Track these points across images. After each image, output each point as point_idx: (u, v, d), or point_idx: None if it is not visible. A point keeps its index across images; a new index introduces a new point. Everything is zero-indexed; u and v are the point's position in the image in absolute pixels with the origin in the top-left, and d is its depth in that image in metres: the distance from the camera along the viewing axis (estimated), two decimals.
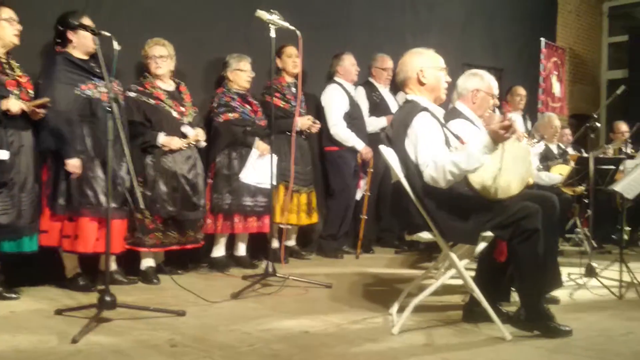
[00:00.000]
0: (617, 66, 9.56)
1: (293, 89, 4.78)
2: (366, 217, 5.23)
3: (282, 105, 4.66)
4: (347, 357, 2.36)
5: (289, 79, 4.82)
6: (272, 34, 3.67)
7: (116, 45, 2.91)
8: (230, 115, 4.31)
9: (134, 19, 4.16)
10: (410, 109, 2.81)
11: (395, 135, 2.81)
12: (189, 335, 2.63)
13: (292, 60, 4.73)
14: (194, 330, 2.70)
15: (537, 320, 2.73)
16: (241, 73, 4.42)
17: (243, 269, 4.33)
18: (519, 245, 2.68)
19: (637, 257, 5.34)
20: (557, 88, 8.10)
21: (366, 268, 4.58)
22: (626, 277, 3.62)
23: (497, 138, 2.52)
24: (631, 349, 2.51)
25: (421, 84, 2.92)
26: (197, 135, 4.00)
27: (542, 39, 7.71)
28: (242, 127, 4.33)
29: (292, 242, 5.03)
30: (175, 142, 3.88)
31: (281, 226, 4.60)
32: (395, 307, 3.04)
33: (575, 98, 9.06)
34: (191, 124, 4.01)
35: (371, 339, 2.63)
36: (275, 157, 4.01)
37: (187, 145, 3.94)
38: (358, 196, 5.36)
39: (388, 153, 2.83)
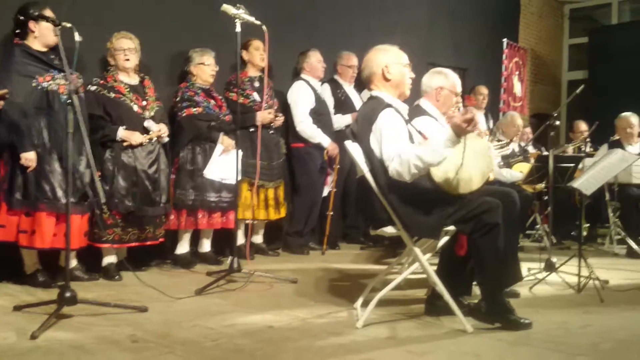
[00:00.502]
0: (577, 67, 9.82)
1: (256, 84, 4.75)
2: (332, 214, 5.25)
3: (241, 101, 4.61)
4: (312, 350, 2.37)
5: (252, 73, 4.79)
6: (238, 28, 3.65)
7: (77, 37, 2.85)
8: (194, 110, 4.26)
9: (96, 12, 4.08)
10: (375, 105, 2.83)
11: (360, 131, 2.83)
12: (151, 331, 2.60)
13: (260, 53, 4.70)
14: (157, 326, 2.67)
15: (497, 313, 2.78)
16: (205, 67, 4.37)
17: (208, 265, 4.30)
18: (479, 239, 2.73)
19: (596, 253, 5.50)
20: (518, 88, 8.27)
21: (332, 264, 4.60)
22: (585, 272, 3.71)
23: (460, 131, 2.56)
24: (589, 341, 2.58)
25: (386, 79, 2.94)
26: (160, 130, 3.94)
27: (504, 40, 7.86)
28: (206, 122, 4.29)
29: (258, 239, 5.01)
30: (135, 137, 3.82)
31: (247, 222, 4.58)
32: (359, 302, 3.06)
33: (536, 98, 9.27)
34: (154, 119, 3.96)
35: (336, 332, 2.64)
36: (240, 153, 3.99)
37: (148, 140, 3.88)
38: (324, 193, 5.38)
39: (353, 148, 2.84)
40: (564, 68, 10.04)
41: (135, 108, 3.89)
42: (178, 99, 4.29)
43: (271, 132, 4.81)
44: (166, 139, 4.04)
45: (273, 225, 5.16)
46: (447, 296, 2.78)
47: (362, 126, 2.82)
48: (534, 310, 3.10)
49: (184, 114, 4.24)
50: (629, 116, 5.80)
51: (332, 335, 2.60)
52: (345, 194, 5.51)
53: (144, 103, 3.95)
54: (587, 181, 3.81)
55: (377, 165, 2.75)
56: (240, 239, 4.62)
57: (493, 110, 7.35)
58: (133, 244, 3.88)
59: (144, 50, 4.04)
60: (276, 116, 4.77)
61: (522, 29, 8.95)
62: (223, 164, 4.25)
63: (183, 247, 4.33)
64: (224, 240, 4.58)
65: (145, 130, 3.90)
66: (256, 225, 4.92)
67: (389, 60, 2.94)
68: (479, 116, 6.46)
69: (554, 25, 9.82)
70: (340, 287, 3.75)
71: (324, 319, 2.90)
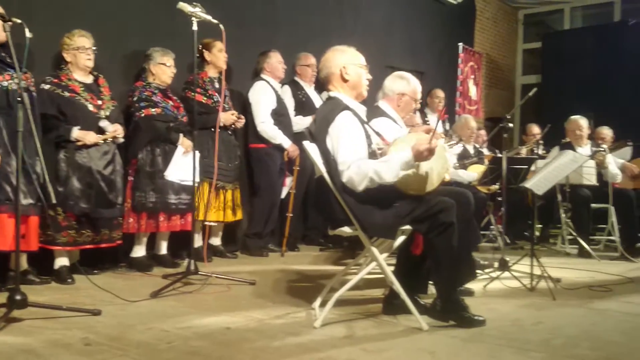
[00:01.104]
0: (530, 71, 10.10)
1: (216, 84, 4.72)
2: (292, 215, 5.25)
3: (204, 101, 4.58)
4: (269, 351, 2.36)
5: (212, 74, 4.75)
6: (194, 26, 3.61)
7: (28, 33, 2.77)
8: (152, 111, 4.19)
9: (48, 8, 3.98)
10: (333, 107, 2.85)
11: (317, 132, 2.84)
12: (104, 334, 2.54)
13: (224, 55, 4.67)
14: (110, 329, 2.61)
15: (452, 310, 2.83)
16: (165, 68, 4.31)
17: (164, 268, 4.23)
18: (435, 239, 2.77)
19: (548, 253, 5.66)
20: (473, 91, 8.45)
21: (291, 265, 4.60)
22: (537, 271, 3.81)
23: (420, 158, 2.63)
24: (540, 337, 2.65)
25: (344, 80, 2.96)
26: (115, 131, 3.86)
27: (460, 44, 8.02)
28: (165, 123, 4.23)
29: (217, 241, 4.96)
30: (90, 137, 3.73)
31: (206, 223, 4.53)
32: (317, 302, 3.07)
33: (491, 102, 9.48)
34: (109, 118, 3.88)
35: (293, 332, 2.64)
36: (197, 154, 3.95)
37: (103, 141, 3.80)
38: (284, 194, 5.38)
39: (311, 148, 2.85)
40: (518, 72, 10.31)
41: (90, 107, 3.81)
42: (135, 98, 4.20)
43: (229, 133, 4.78)
44: (122, 140, 3.96)
45: (231, 228, 5.13)
46: (403, 295, 2.81)
47: (320, 127, 2.83)
48: (488, 308, 3.17)
49: (143, 115, 4.16)
50: (578, 119, 5.98)
51: (289, 335, 2.59)
52: (305, 196, 5.52)
53: (99, 102, 3.87)
54: (539, 182, 3.91)
55: (334, 166, 2.76)
56: (198, 242, 4.57)
57: (449, 114, 7.49)
58: (87, 247, 3.79)
59: (97, 48, 3.95)
60: (239, 118, 4.74)
61: (478, 34, 9.15)
62: (183, 165, 4.20)
63: (140, 250, 4.25)
64: (181, 243, 4.52)
65: (101, 131, 3.82)
66: (214, 228, 4.88)
67: (347, 61, 2.96)
68: (436, 119, 6.56)
69: (508, 30, 10.07)
70: (298, 288, 3.75)
71: (282, 319, 2.90)
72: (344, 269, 3.33)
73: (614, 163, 5.78)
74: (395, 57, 7.00)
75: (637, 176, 5.91)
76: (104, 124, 3.83)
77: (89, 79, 3.90)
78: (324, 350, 2.37)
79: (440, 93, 6.74)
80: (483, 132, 7.17)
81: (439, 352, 2.38)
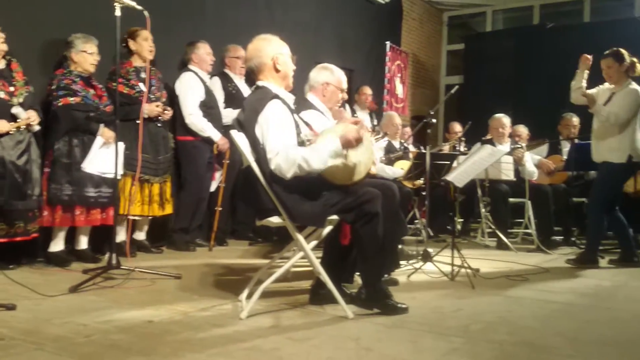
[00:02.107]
0: (454, 72, 10.44)
1: (142, 74, 4.58)
2: (220, 209, 5.18)
3: (125, 91, 4.43)
4: (192, 342, 2.32)
5: (138, 63, 4.60)
6: (118, 12, 3.49)
7: None
8: (71, 100, 4.02)
9: None
10: (262, 95, 2.83)
11: (246, 120, 2.81)
12: (18, 328, 2.41)
13: (149, 44, 4.54)
14: (25, 324, 2.49)
15: (377, 299, 2.88)
16: (87, 55, 4.15)
17: (85, 263, 4.07)
18: (361, 228, 2.82)
19: (469, 245, 5.87)
20: (400, 89, 8.65)
21: (218, 259, 4.54)
22: (458, 262, 3.95)
23: (347, 146, 2.68)
24: (460, 323, 2.74)
25: (276, 70, 2.94)
26: (29, 118, 3.68)
27: (387, 42, 8.18)
28: (85, 113, 4.07)
29: (141, 236, 4.82)
30: (1, 125, 3.54)
31: (130, 217, 4.40)
32: (244, 294, 3.04)
33: (417, 101, 9.74)
34: (23, 105, 3.69)
35: (218, 324, 2.61)
36: (121, 145, 3.82)
37: (16, 129, 3.60)
38: (213, 188, 5.30)
39: (238, 138, 2.82)
40: (442, 73, 10.64)
41: (2, 94, 3.61)
42: (54, 87, 4.02)
43: (159, 125, 4.66)
44: (37, 127, 3.78)
45: (157, 222, 5.00)
46: (330, 284, 2.83)
47: (248, 115, 2.80)
48: (411, 296, 3.26)
49: (60, 104, 3.99)
50: (502, 117, 6.24)
51: (214, 327, 2.56)
52: (235, 190, 5.47)
53: (11, 89, 3.68)
54: (459, 175, 4.06)
55: (263, 155, 2.75)
56: (122, 236, 4.44)
57: (377, 111, 7.63)
58: (1, 240, 3.59)
59: (14, 35, 3.75)
60: (164, 110, 4.62)
61: (405, 34, 9.37)
62: (103, 157, 4.05)
63: (57, 245, 4.07)
64: (103, 238, 4.36)
65: (13, 118, 3.62)
66: (139, 222, 4.74)
67: (278, 51, 2.95)
68: (364, 116, 6.68)
69: (433, 31, 10.37)
70: (226, 281, 3.71)
71: (207, 312, 2.85)
72: (271, 261, 3.33)
73: (531, 160, 6.08)
74: (325, 54, 7.03)
75: (553, 172, 6.24)
76: (16, 110, 3.64)
77: (0, 65, 3.69)
78: (249, 340, 2.35)
79: (368, 90, 6.86)
80: (408, 129, 7.36)
81: (363, 339, 2.42)
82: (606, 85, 4.64)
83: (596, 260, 4.58)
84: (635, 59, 4.51)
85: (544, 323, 2.80)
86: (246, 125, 2.80)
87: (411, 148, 6.71)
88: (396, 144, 6.33)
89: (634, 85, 4.46)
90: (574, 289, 3.65)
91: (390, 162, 5.96)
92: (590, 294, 3.55)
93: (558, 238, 5.85)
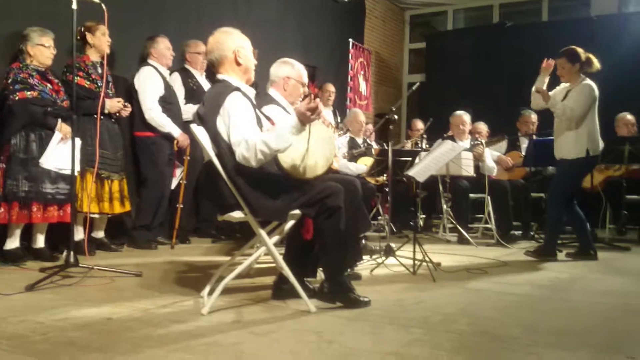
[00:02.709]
0: (416, 70, 10.55)
1: (99, 69, 4.48)
2: (182, 207, 5.12)
3: (86, 85, 4.34)
4: (152, 339, 2.28)
5: (94, 58, 4.50)
6: (74, 5, 3.41)
7: None
8: (28, 94, 3.91)
9: None
10: (223, 89, 2.80)
11: (206, 114, 2.78)
12: None
13: (107, 39, 4.44)
14: None
15: (339, 292, 2.89)
16: (43, 49, 4.04)
17: (41, 262, 3.96)
18: (323, 222, 2.82)
19: (431, 240, 5.95)
20: (363, 87, 8.70)
21: (181, 257, 4.49)
22: (420, 257, 3.99)
23: (304, 119, 2.64)
24: (421, 315, 2.78)
25: (238, 64, 2.92)
26: None
27: (350, 40, 8.21)
28: (42, 107, 3.96)
29: (100, 234, 4.73)
30: None
31: (91, 215, 4.31)
32: (206, 290, 3.02)
33: (380, 98, 9.81)
34: None
35: (179, 320, 2.57)
36: (78, 141, 3.74)
37: None
38: (174, 185, 5.24)
39: (199, 132, 2.79)
40: (405, 71, 10.73)
41: None
42: (10, 80, 3.91)
43: (113, 121, 4.57)
44: None
45: (117, 220, 4.91)
46: (292, 279, 2.83)
47: (209, 109, 2.77)
48: (373, 290, 3.28)
49: (17, 98, 3.88)
50: (463, 114, 6.34)
51: (175, 323, 2.53)
52: (197, 187, 5.41)
53: None
54: (420, 170, 4.11)
55: (224, 149, 2.73)
56: (80, 234, 4.34)
57: (341, 108, 7.66)
58: None
59: None
60: (125, 105, 4.53)
61: (367, 32, 9.42)
62: (61, 152, 3.95)
63: (13, 242, 3.96)
64: (60, 236, 4.25)
65: None
66: (98, 220, 4.65)
67: (240, 45, 2.93)
68: (327, 113, 6.69)
69: (395, 29, 10.45)
70: (188, 278, 3.67)
71: (168, 308, 2.82)
72: (233, 257, 3.30)
73: (490, 157, 6.19)
74: (288, 50, 7.00)
75: (512, 168, 6.37)
76: None
77: None
78: (210, 335, 2.33)
79: (330, 87, 6.87)
80: (371, 126, 7.40)
81: (325, 332, 2.42)
82: (562, 85, 4.76)
83: (554, 254, 4.69)
84: (590, 55, 4.62)
85: (502, 314, 2.86)
86: (207, 118, 2.77)
87: (374, 145, 6.75)
88: (359, 141, 6.36)
89: (587, 81, 4.59)
90: (532, 281, 3.74)
91: (353, 158, 5.99)
92: (548, 285, 3.64)
93: (517, 232, 5.98)
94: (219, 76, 2.91)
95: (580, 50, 4.63)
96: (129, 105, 4.61)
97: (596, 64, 4.59)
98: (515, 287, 3.54)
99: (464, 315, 2.79)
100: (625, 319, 2.82)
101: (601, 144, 4.64)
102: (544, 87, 4.67)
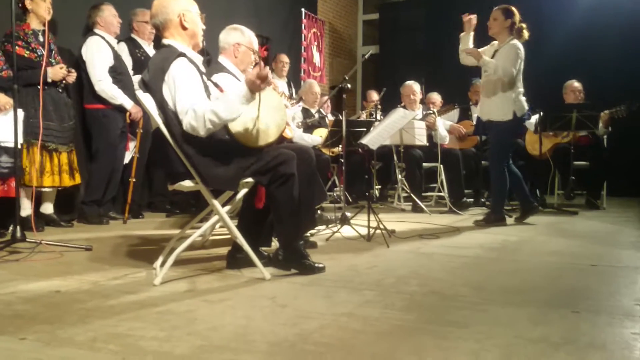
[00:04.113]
0: (370, 42, 10.53)
1: (40, 38, 4.30)
2: (135, 181, 5.02)
3: (26, 55, 4.16)
4: (101, 309, 2.24)
5: (35, 26, 4.30)
6: None
7: None
8: None
9: None
10: (168, 54, 2.72)
11: (151, 81, 2.70)
12: None
13: (47, 5, 4.25)
14: None
15: (294, 259, 2.90)
16: None
17: None
18: (276, 190, 2.80)
19: (386, 210, 6.03)
20: (317, 58, 8.65)
21: (133, 231, 4.41)
22: (375, 225, 4.03)
23: (254, 88, 2.60)
24: (373, 278, 2.81)
25: (183, 28, 2.83)
26: None
27: (303, 10, 8.11)
28: None
29: (49, 209, 4.59)
30: None
31: (40, 189, 4.17)
32: (159, 261, 2.97)
33: (335, 70, 9.77)
34: None
35: (130, 291, 2.53)
36: (21, 112, 3.59)
37: None
38: (127, 159, 5.12)
39: (145, 99, 2.72)
40: (359, 42, 10.70)
41: None
42: None
43: (60, 91, 4.40)
44: None
45: (67, 195, 4.78)
46: (246, 247, 2.81)
47: (154, 76, 2.69)
48: (329, 257, 3.31)
49: None
50: (412, 84, 6.39)
51: (126, 294, 2.49)
52: (150, 160, 5.30)
53: None
54: (373, 138, 4.13)
55: (171, 116, 2.66)
56: (27, 209, 4.20)
57: (295, 79, 7.60)
58: None
59: None
60: (69, 72, 4.36)
61: (320, 2, 9.33)
62: (2, 125, 3.79)
63: None
64: (6, 211, 4.11)
65: None
66: (46, 194, 4.51)
67: (186, 8, 2.84)
68: (281, 84, 6.63)
69: (349, 0, 10.37)
70: (140, 251, 3.61)
71: (119, 280, 2.77)
72: (186, 227, 3.26)
73: (443, 126, 6.27)
74: (240, 20, 6.83)
75: (464, 137, 6.47)
76: None
77: None
78: (162, 304, 2.31)
79: (284, 58, 6.80)
80: (326, 97, 7.37)
81: (280, 297, 2.43)
82: (489, 45, 4.79)
83: (503, 218, 4.81)
84: (524, 25, 4.66)
85: (452, 275, 2.92)
86: (152, 85, 2.69)
87: (329, 117, 6.74)
88: (314, 112, 6.33)
89: (515, 41, 4.60)
90: (483, 244, 3.84)
91: (307, 128, 5.97)
92: (497, 248, 3.74)
93: (469, 200, 6.11)
94: (164, 41, 2.82)
95: (516, 11, 4.65)
96: (74, 71, 4.45)
97: (525, 34, 4.63)
98: (466, 250, 3.62)
99: (415, 277, 2.84)
100: (570, 276, 2.93)
101: (526, 105, 4.71)
102: (470, 45, 4.71)
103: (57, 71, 4.25)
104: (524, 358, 1.72)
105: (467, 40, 4.72)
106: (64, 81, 4.35)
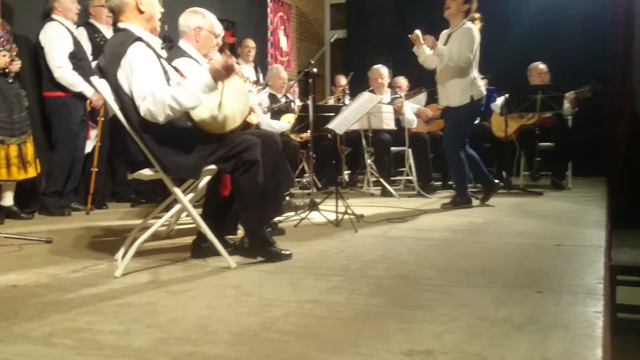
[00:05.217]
0: (338, 26, 10.43)
1: None
2: (97, 170, 4.90)
3: None
4: (60, 303, 2.17)
5: None
6: None
7: None
8: None
9: None
10: (124, 38, 2.63)
11: (107, 66, 2.61)
12: None
13: None
14: None
15: (259, 247, 2.86)
16: None
17: None
18: (240, 177, 2.75)
19: (355, 195, 6.02)
20: (284, 43, 8.55)
21: (96, 222, 4.31)
22: (343, 210, 4.02)
23: (219, 77, 2.55)
24: (340, 264, 2.80)
25: (140, 11, 2.74)
26: None
27: None
28: None
29: (8, 202, 4.45)
30: None
31: None
32: (120, 253, 2.90)
33: (303, 55, 9.68)
34: None
35: (90, 284, 2.46)
36: None
37: None
38: (88, 148, 5.00)
39: (101, 85, 2.63)
40: (327, 27, 10.61)
41: None
42: None
43: (10, 81, 4.24)
44: None
45: (28, 186, 4.64)
46: (210, 236, 2.76)
47: (110, 61, 2.60)
48: (296, 244, 3.28)
49: None
50: (380, 68, 6.36)
51: (85, 287, 2.42)
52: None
53: None
54: (340, 122, 4.10)
55: (128, 102, 2.58)
56: None
57: (262, 64, 7.50)
58: None
59: None
60: (12, 60, 4.20)
61: None
62: None
63: None
64: None
65: None
66: (6, 185, 4.37)
67: None
68: (248, 69, 6.54)
69: None
70: (102, 242, 3.53)
71: (79, 273, 2.69)
72: (148, 217, 3.18)
73: (410, 109, 6.27)
74: (203, 4, 6.74)
75: (431, 120, 6.48)
76: None
77: None
78: (122, 297, 2.25)
79: (250, 43, 6.69)
80: (292, 81, 7.30)
81: (245, 285, 2.39)
82: (442, 33, 4.79)
83: (469, 200, 4.83)
84: (478, 16, 4.63)
85: (418, 257, 2.92)
86: (107, 71, 2.60)
87: (297, 102, 6.69)
88: (282, 98, 6.27)
89: (468, 24, 4.58)
90: (449, 227, 3.85)
91: (274, 114, 5.91)
92: (463, 230, 3.76)
93: (436, 183, 6.14)
94: (120, 25, 2.73)
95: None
96: (18, 59, 4.28)
97: (478, 24, 4.62)
98: (433, 233, 3.63)
99: (381, 262, 2.83)
100: (534, 256, 2.95)
101: (483, 90, 4.73)
102: (427, 51, 4.67)
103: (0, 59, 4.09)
104: (487, 339, 1.72)
105: (422, 50, 4.68)
106: (7, 69, 4.18)
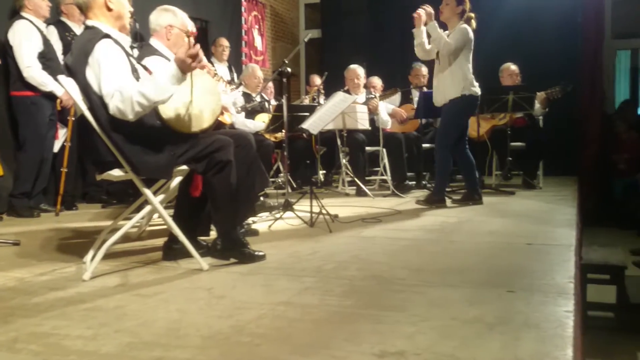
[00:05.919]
0: (312, 26, 10.41)
1: None
2: (67, 171, 4.81)
3: None
4: (26, 307, 2.12)
5: None
6: None
7: None
8: None
9: None
10: (92, 36, 2.57)
11: (75, 64, 2.55)
12: None
13: None
14: None
15: (232, 248, 2.82)
16: None
17: None
18: (213, 178, 2.72)
19: (330, 195, 6.00)
20: (259, 42, 8.50)
21: (65, 224, 4.23)
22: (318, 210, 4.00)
23: (185, 67, 2.50)
24: (314, 265, 2.78)
25: (108, 9, 2.68)
26: None
27: None
28: None
29: None
30: None
31: None
32: (89, 255, 2.82)
33: (278, 54, 9.63)
34: None
35: (58, 287, 2.41)
36: None
37: None
38: (57, 148, 4.90)
39: (68, 84, 2.57)
40: (302, 26, 10.58)
41: None
42: None
43: None
44: None
45: None
46: (182, 237, 2.72)
47: (78, 59, 2.54)
48: (270, 245, 3.25)
49: None
50: (356, 68, 6.36)
51: (52, 290, 2.36)
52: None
53: None
54: (314, 122, 4.08)
55: (97, 101, 2.52)
56: None
57: (236, 64, 7.45)
58: None
59: None
60: None
61: None
62: None
63: None
64: None
65: None
66: None
67: None
68: (222, 69, 6.48)
69: None
70: (71, 245, 3.46)
71: (46, 276, 2.63)
72: (117, 219, 3.13)
73: (385, 110, 6.28)
74: (175, 2, 6.67)
75: (405, 120, 6.51)
76: None
77: None
78: (90, 300, 2.20)
79: (224, 42, 6.64)
80: (271, 84, 7.27)
81: (217, 288, 2.36)
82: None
83: (444, 200, 4.87)
84: (473, 15, 4.71)
85: (392, 258, 2.92)
86: (75, 69, 2.55)
87: (272, 102, 6.65)
88: (257, 98, 6.22)
89: (464, 25, 4.66)
90: (423, 226, 3.86)
91: (249, 113, 5.87)
92: (437, 229, 3.78)
93: (411, 182, 6.17)
94: (88, 22, 2.66)
95: (468, 1, 4.70)
96: None
97: (473, 24, 4.69)
98: (406, 233, 3.64)
99: (355, 262, 2.82)
100: (506, 256, 2.97)
101: (478, 90, 4.78)
102: (424, 39, 4.74)
103: None
104: (459, 339, 1.72)
105: (420, 33, 4.73)
106: None
